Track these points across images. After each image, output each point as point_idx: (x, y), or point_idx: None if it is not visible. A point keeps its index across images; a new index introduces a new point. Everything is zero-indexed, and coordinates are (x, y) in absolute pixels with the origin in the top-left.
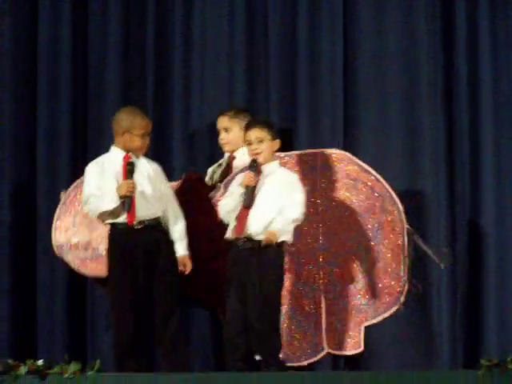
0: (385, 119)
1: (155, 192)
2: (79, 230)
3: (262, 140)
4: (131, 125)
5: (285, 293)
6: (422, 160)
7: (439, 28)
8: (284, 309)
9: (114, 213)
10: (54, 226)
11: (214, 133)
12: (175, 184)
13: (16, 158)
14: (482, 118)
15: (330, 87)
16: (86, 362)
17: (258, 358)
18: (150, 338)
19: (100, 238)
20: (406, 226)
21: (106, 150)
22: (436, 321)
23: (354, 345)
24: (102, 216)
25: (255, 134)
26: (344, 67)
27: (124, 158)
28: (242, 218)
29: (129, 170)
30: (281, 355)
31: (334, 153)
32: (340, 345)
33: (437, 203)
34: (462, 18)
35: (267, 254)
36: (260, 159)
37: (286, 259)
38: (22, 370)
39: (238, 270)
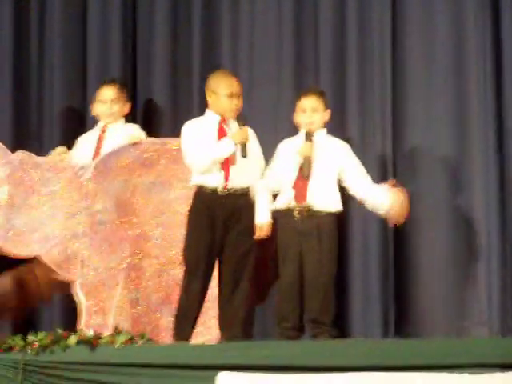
0: (432, 88)
1: (249, 161)
2: None
3: (317, 109)
4: (216, 85)
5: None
6: (470, 128)
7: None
8: None
9: (210, 169)
10: None
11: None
12: None
13: None
14: None
15: (378, 61)
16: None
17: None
18: None
19: None
20: None
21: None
22: (486, 292)
23: None
24: (210, 165)
25: (311, 103)
26: (392, 40)
27: (220, 121)
28: (300, 187)
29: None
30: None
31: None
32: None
33: (486, 172)
34: None
35: (326, 223)
36: (313, 128)
37: None
38: (72, 339)
39: (295, 239)
